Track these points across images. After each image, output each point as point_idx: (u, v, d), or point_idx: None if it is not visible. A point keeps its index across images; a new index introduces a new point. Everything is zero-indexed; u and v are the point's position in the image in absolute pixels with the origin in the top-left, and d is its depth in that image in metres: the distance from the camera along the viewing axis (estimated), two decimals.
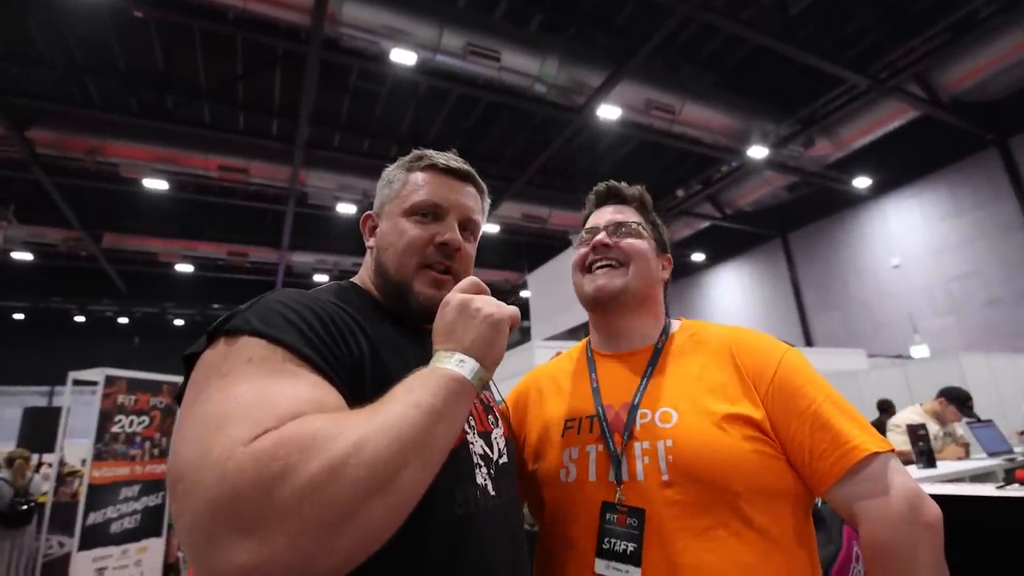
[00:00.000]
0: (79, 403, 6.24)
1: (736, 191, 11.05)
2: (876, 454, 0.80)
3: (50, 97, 7.40)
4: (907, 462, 3.03)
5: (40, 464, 6.81)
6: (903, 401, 5.60)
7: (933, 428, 3.26)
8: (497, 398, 0.99)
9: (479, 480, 0.75)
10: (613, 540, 0.81)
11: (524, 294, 14.77)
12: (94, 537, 5.30)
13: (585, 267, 1.03)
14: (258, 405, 0.53)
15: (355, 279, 0.90)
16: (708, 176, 10.82)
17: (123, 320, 17.48)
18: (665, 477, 0.83)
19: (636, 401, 0.91)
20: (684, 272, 15.77)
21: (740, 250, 13.94)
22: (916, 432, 2.80)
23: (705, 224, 12.32)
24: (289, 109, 8.72)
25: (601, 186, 1.10)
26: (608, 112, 7.65)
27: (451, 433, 0.59)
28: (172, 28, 7.34)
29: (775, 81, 8.55)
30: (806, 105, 8.47)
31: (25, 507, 5.28)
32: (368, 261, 0.90)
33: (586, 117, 7.73)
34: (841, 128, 8.59)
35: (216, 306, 15.63)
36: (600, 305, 1.01)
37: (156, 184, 9.28)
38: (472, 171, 0.92)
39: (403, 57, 6.45)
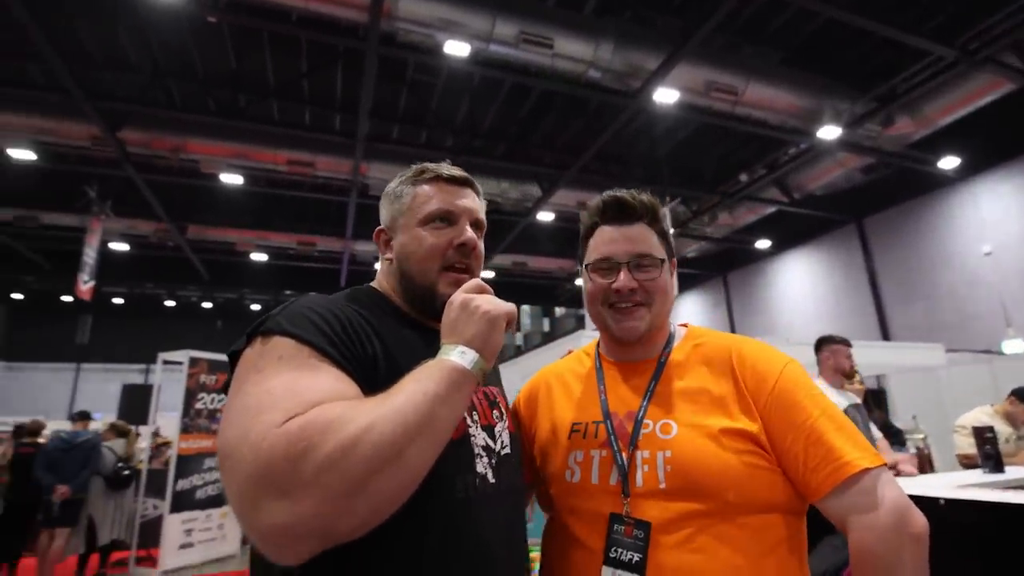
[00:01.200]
0: (170, 380, 6.84)
1: (805, 174, 10.42)
2: (867, 470, 0.82)
3: (138, 100, 8.05)
4: (972, 466, 2.83)
5: (136, 435, 7.54)
6: (988, 401, 5.19)
7: (1005, 430, 3.02)
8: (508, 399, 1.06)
9: (480, 469, 0.82)
10: (620, 550, 0.86)
11: (579, 282, 14.69)
12: (182, 501, 5.87)
13: (606, 303, 1.03)
14: (287, 396, 0.63)
15: (374, 284, 0.99)
16: (774, 159, 10.29)
17: (207, 305, 18.89)
18: (663, 485, 0.87)
19: (640, 415, 0.95)
20: (747, 260, 15.11)
21: (810, 237, 13.19)
22: (983, 435, 2.61)
23: (771, 209, 11.71)
24: (350, 104, 9.03)
25: (609, 198, 1.05)
26: (665, 96, 7.43)
27: (453, 416, 0.68)
28: (242, 31, 7.78)
29: (849, 56, 7.98)
30: (884, 81, 7.86)
31: (127, 472, 5.90)
32: (385, 269, 0.98)
33: (642, 101, 7.54)
34: (925, 104, 7.91)
35: (288, 292, 16.54)
36: (626, 343, 1.04)
37: (232, 179, 9.93)
38: (470, 177, 0.99)
39: (457, 49, 6.53)
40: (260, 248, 13.68)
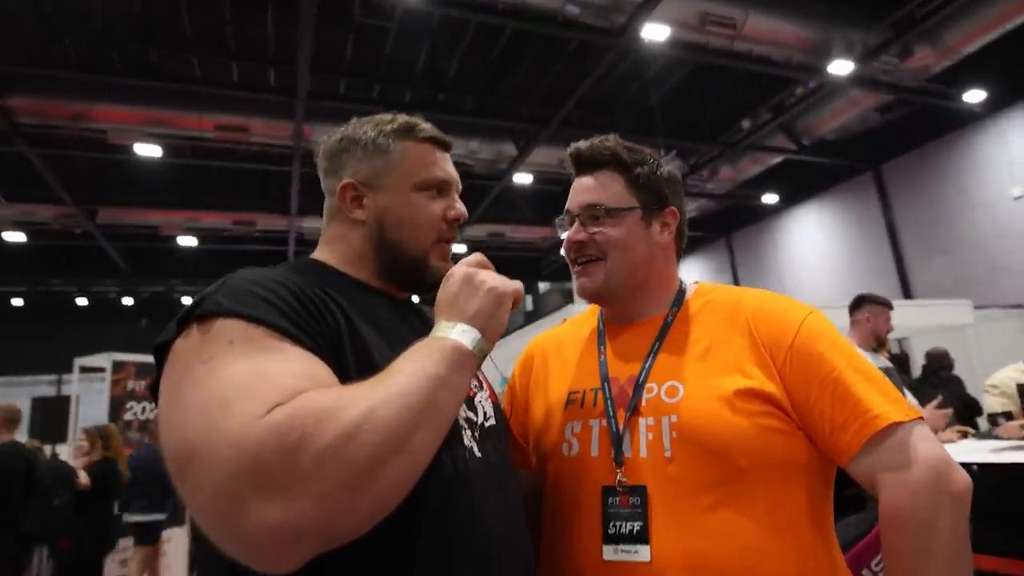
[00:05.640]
0: (89, 391, 6.73)
1: (815, 117, 10.58)
2: (899, 423, 0.85)
3: (23, 60, 7.69)
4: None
5: (54, 455, 7.40)
6: (1021, 359, 5.43)
7: None
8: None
9: (465, 442, 0.85)
10: (618, 523, 0.89)
11: (564, 252, 14.75)
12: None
13: (570, 260, 1.10)
14: (257, 383, 0.62)
15: (317, 256, 0.99)
16: (780, 101, 10.39)
17: (128, 301, 18.43)
18: (668, 454, 0.91)
19: (642, 378, 0.99)
20: (753, 217, 15.34)
21: (821, 188, 13.42)
22: None
23: (777, 159, 11.90)
24: (286, 55, 8.80)
25: (571, 147, 1.13)
26: (655, 32, 7.41)
27: (455, 400, 0.71)
28: None
29: None
30: (901, 6, 7.96)
31: None
32: (342, 234, 0.98)
33: (629, 40, 7.51)
34: (946, 31, 8.04)
35: None
36: (593, 301, 1.11)
37: (148, 150, 9.64)
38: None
39: None
40: (189, 231, 13.37)
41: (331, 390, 0.64)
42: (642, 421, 0.94)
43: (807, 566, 0.87)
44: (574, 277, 1.09)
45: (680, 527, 0.86)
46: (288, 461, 0.56)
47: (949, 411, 3.15)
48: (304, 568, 0.59)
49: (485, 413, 0.94)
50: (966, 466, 1.99)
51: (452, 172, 1.01)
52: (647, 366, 1.00)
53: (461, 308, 0.78)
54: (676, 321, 1.05)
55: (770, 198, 14.02)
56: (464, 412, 0.89)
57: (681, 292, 1.10)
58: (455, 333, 0.74)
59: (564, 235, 1.09)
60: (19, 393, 16.88)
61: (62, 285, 17.05)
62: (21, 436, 7.78)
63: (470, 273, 0.82)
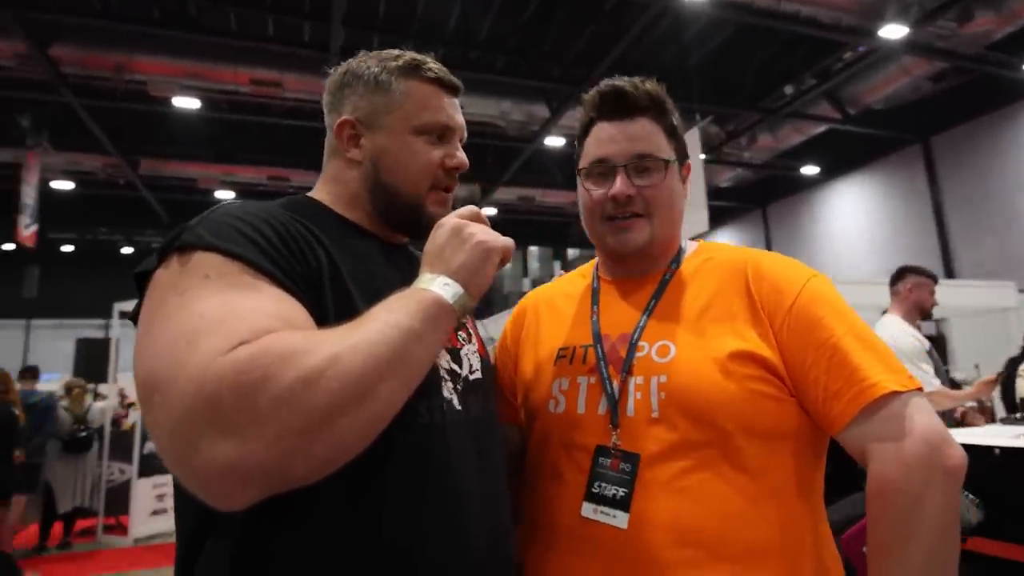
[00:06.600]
0: (129, 336, 6.93)
1: (863, 84, 10.05)
2: (896, 393, 0.81)
3: (69, 9, 7.78)
4: None
5: (97, 394, 7.74)
6: None
7: None
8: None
9: (445, 394, 0.84)
10: (604, 484, 0.88)
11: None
12: (152, 465, 6.11)
13: (603, 216, 1.02)
14: (227, 320, 0.61)
15: (312, 195, 0.98)
16: (826, 67, 9.91)
17: None
18: (655, 414, 0.89)
19: (635, 338, 0.96)
20: (791, 189, 14.85)
21: (865, 161, 12.88)
22: None
23: (820, 128, 11.41)
24: (321, 11, 8.72)
25: (606, 87, 1.01)
26: None
27: (428, 355, 0.70)
28: None
29: None
30: None
31: (84, 434, 6.09)
32: (339, 173, 0.96)
33: None
34: None
35: None
36: (624, 258, 1.04)
37: (187, 103, 9.75)
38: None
39: None
40: (225, 185, 13.57)
41: (299, 333, 0.63)
42: (631, 380, 0.92)
43: (789, 535, 0.85)
44: (610, 232, 1.01)
45: (662, 489, 0.85)
46: (244, 401, 0.55)
47: (992, 380, 3.11)
48: (273, 504, 0.60)
49: (471, 366, 0.93)
50: (988, 450, 1.90)
51: (457, 118, 0.96)
52: (641, 324, 0.97)
53: (446, 260, 0.76)
54: (674, 279, 1.01)
55: (810, 170, 13.55)
56: (447, 364, 0.87)
57: (680, 250, 1.07)
58: (436, 286, 0.73)
59: (601, 189, 1.00)
60: (67, 335, 17.71)
61: (107, 234, 17.60)
62: (69, 376, 8.18)
63: (459, 225, 0.79)
